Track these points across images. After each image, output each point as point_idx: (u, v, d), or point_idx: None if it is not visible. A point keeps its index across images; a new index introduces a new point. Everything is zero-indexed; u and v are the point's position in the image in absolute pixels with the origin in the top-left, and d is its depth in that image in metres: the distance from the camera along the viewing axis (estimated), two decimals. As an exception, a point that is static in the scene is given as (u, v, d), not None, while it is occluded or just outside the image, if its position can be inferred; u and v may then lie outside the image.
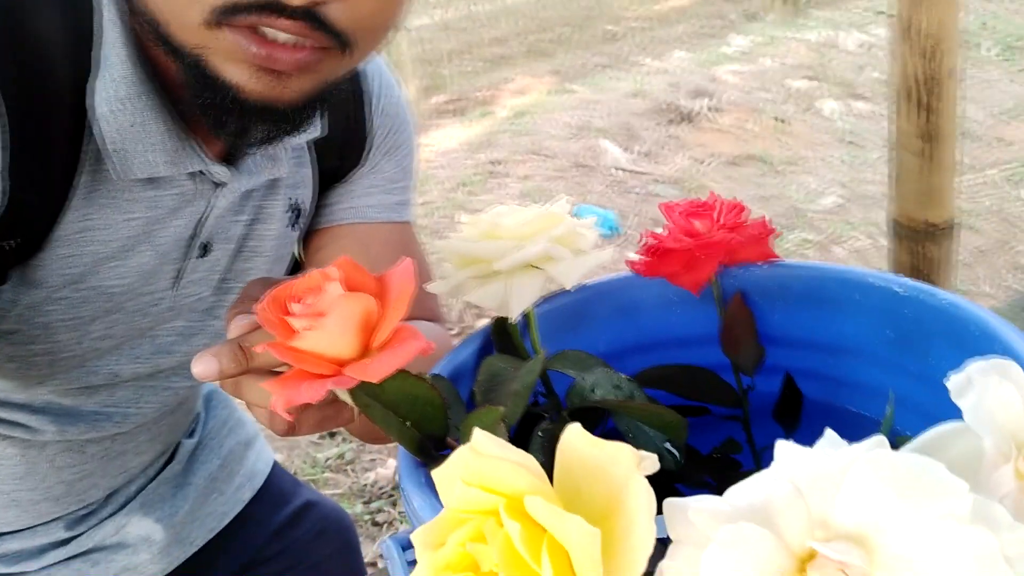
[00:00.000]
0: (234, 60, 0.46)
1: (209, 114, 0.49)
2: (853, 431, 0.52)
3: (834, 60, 4.22)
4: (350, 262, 0.38)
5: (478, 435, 0.28)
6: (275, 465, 0.87)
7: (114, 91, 0.51)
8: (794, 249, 2.71)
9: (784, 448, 0.28)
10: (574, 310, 0.53)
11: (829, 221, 2.89)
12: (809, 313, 0.51)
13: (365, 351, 0.37)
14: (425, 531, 0.28)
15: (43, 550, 0.71)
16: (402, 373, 0.38)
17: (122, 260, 0.57)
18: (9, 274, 0.54)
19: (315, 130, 0.64)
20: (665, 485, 0.48)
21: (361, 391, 0.37)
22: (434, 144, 3.62)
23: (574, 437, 0.28)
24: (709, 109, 3.69)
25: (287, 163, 0.64)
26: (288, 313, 0.36)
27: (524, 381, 0.43)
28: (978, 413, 0.30)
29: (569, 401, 0.46)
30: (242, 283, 0.66)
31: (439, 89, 4.41)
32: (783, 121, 3.67)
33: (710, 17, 5.28)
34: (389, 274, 0.38)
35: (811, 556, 0.26)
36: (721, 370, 0.52)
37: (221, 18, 0.45)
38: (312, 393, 0.35)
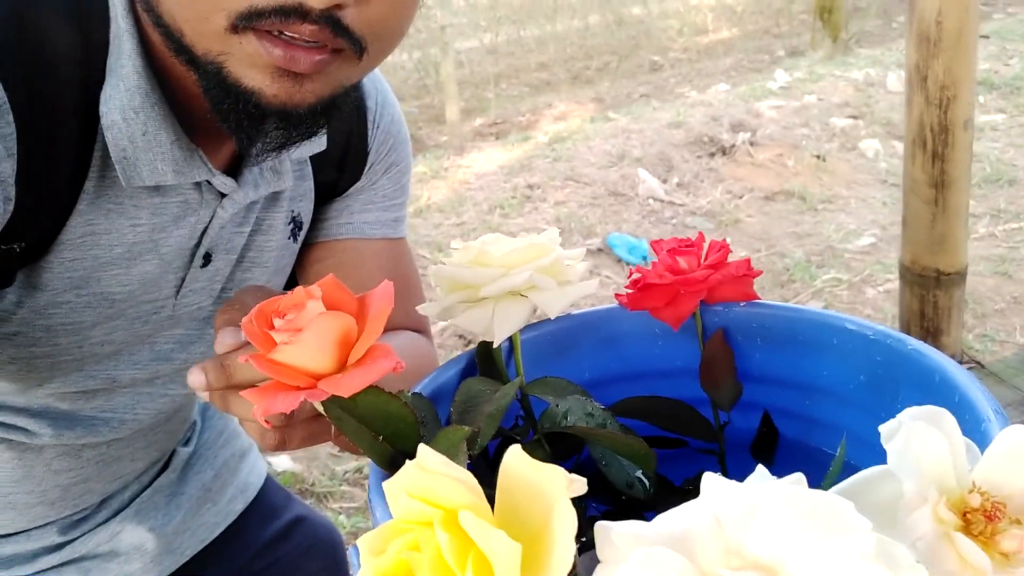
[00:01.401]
0: (254, 66, 0.48)
1: (229, 120, 0.50)
2: (824, 470, 0.53)
3: (878, 99, 4.20)
4: (334, 282, 0.40)
5: (423, 451, 0.30)
6: (268, 478, 0.88)
7: (128, 101, 0.52)
8: (825, 288, 2.69)
9: (710, 480, 0.30)
10: (560, 338, 0.55)
11: (863, 261, 2.87)
12: (787, 354, 0.52)
13: (342, 367, 0.39)
14: (370, 538, 0.30)
15: (36, 555, 0.72)
16: (375, 390, 0.40)
17: (125, 267, 0.58)
18: (15, 276, 0.55)
19: (319, 143, 0.65)
20: (636, 513, 0.50)
21: (335, 405, 0.39)
22: (472, 166, 3.66)
23: (514, 459, 0.30)
24: (748, 143, 3.69)
25: (291, 176, 0.65)
26: (271, 327, 0.39)
27: (499, 403, 0.45)
28: (901, 458, 0.31)
29: (540, 425, 0.48)
30: None
31: (481, 112, 4.47)
32: (823, 159, 3.65)
33: (756, 52, 5.29)
34: (370, 295, 0.41)
35: (724, 583, 0.28)
36: (700, 404, 0.53)
37: (243, 23, 0.46)
38: (286, 403, 0.37)
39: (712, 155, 3.67)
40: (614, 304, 0.55)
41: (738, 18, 5.86)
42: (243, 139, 0.52)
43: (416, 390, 0.49)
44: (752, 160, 3.64)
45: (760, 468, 0.31)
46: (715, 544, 0.28)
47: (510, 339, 0.52)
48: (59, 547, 0.72)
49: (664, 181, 3.47)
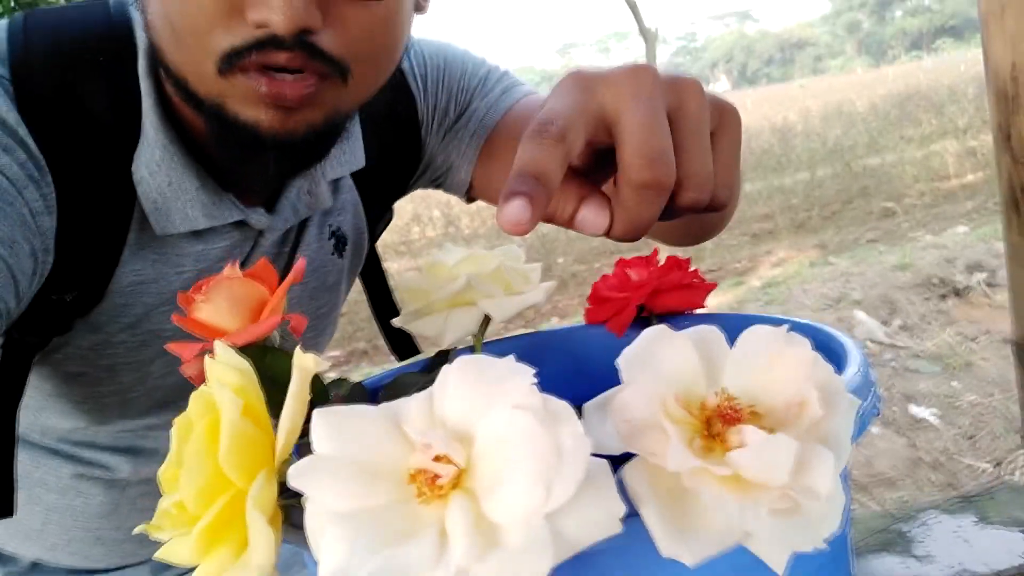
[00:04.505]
0: (248, 101, 0.51)
1: (232, 155, 0.54)
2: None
3: None
4: (263, 263, 0.47)
5: (218, 345, 0.35)
6: None
7: (150, 155, 0.57)
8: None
9: (444, 369, 0.32)
10: (528, 353, 0.57)
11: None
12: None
13: (252, 329, 0.45)
14: (183, 418, 0.35)
15: None
16: (284, 355, 0.45)
17: (174, 305, 0.61)
18: (73, 324, 0.59)
19: (352, 163, 0.68)
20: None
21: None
22: (680, 310, 3.66)
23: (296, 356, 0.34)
24: (985, 284, 3.41)
25: (328, 195, 0.67)
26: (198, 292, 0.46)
27: (421, 385, 0.48)
28: (630, 361, 0.31)
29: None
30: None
31: (697, 261, 4.49)
32: (1077, 299, 3.27)
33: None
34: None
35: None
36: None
37: (231, 62, 0.50)
38: (189, 352, 0.43)
39: (943, 297, 3.42)
40: (581, 323, 0.57)
41: (986, 161, 5.52)
42: (247, 170, 0.57)
43: (366, 383, 0.53)
44: (990, 302, 3.34)
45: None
46: (421, 415, 0.30)
47: (472, 350, 0.55)
48: None
49: (886, 323, 3.26)
